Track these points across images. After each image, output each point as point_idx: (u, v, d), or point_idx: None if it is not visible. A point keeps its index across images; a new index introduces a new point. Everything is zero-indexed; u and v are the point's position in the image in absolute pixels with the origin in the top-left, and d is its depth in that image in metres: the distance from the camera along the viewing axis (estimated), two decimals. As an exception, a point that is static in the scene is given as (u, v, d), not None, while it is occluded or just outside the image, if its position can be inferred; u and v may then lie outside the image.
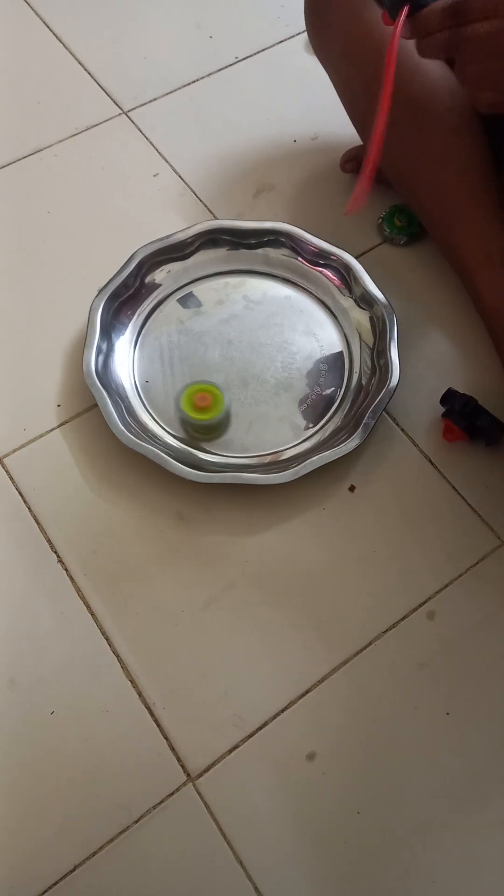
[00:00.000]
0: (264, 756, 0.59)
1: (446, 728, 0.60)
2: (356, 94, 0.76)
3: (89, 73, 0.93)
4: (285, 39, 0.97)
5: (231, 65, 0.94)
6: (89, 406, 0.71)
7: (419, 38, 0.55)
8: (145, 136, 0.88)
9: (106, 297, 0.72)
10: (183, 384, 0.71)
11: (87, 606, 0.63)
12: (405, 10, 0.53)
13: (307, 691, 0.61)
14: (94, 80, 0.92)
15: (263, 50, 0.96)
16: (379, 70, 0.70)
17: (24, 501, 0.67)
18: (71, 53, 0.94)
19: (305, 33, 0.96)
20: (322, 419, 0.71)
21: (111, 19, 0.98)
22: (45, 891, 0.54)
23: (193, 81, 0.93)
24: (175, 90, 0.92)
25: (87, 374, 0.69)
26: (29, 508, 0.67)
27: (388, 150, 0.75)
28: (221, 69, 0.94)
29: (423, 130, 0.71)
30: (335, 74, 0.77)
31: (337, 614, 0.64)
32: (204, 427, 0.68)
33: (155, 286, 0.76)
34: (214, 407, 0.68)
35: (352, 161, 0.83)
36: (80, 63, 0.94)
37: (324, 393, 0.72)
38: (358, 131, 0.79)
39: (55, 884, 0.55)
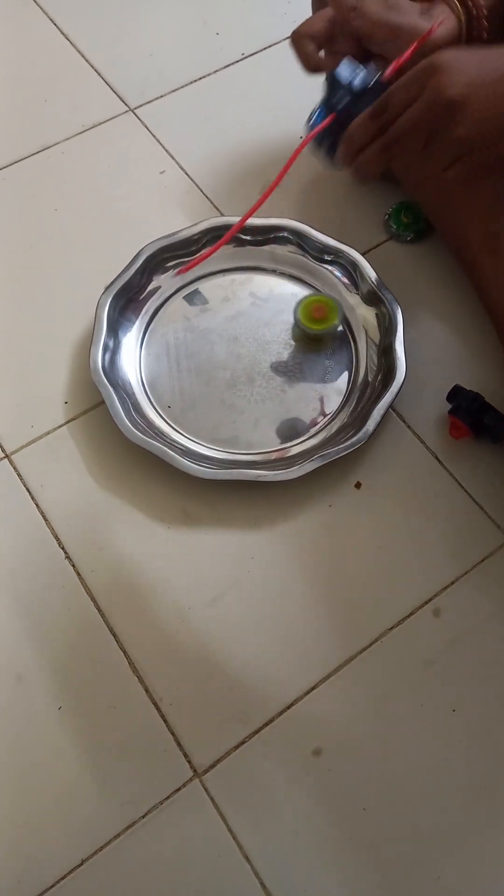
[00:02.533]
0: (270, 752, 0.59)
1: (452, 725, 0.60)
2: None
3: (96, 71, 0.93)
4: (292, 35, 0.96)
5: (238, 61, 0.94)
6: (96, 403, 0.71)
7: (353, 161, 0.57)
8: (152, 133, 0.88)
9: (113, 295, 0.72)
10: (190, 381, 0.72)
11: (94, 602, 0.63)
12: (326, 121, 0.57)
13: (313, 687, 0.61)
14: (101, 77, 0.92)
15: (270, 46, 0.95)
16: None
17: (32, 497, 0.67)
18: (77, 50, 0.94)
19: (312, 29, 0.96)
20: (328, 416, 0.71)
21: (117, 16, 0.98)
22: (53, 885, 0.55)
23: (200, 78, 0.93)
24: (181, 87, 0.92)
25: (94, 370, 0.69)
26: (37, 504, 0.67)
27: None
28: (228, 66, 0.94)
29: None
30: None
31: (343, 611, 0.64)
32: (316, 336, 0.72)
33: (161, 283, 0.76)
34: (329, 317, 0.71)
35: None
36: (86, 60, 0.94)
37: (330, 390, 0.72)
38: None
39: (62, 878, 0.55)
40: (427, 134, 0.54)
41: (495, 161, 0.55)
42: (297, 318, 0.71)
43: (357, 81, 0.57)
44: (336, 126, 0.57)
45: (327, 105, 0.59)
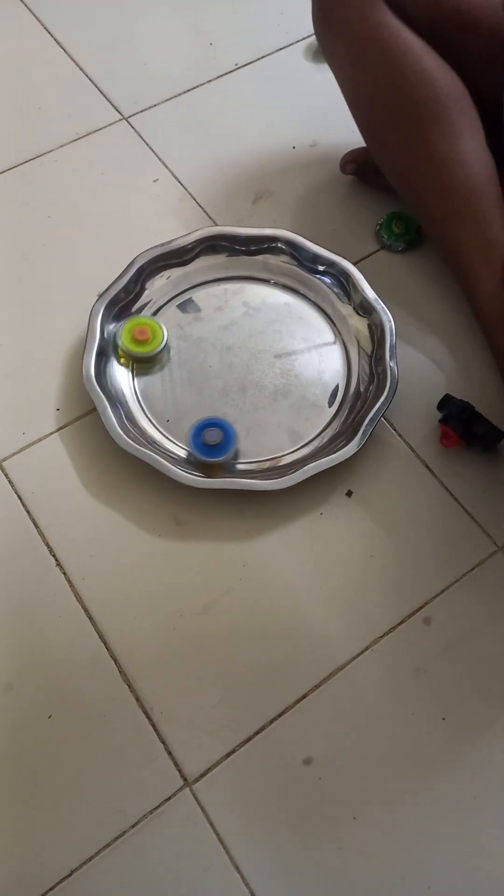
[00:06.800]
0: (261, 761, 0.59)
1: (443, 733, 0.60)
2: (362, 97, 0.75)
3: (90, 79, 0.93)
4: (285, 46, 0.97)
5: (231, 71, 0.95)
6: (88, 410, 0.71)
7: None
8: (145, 142, 0.89)
9: (106, 303, 0.72)
10: (183, 390, 0.72)
11: (85, 610, 0.63)
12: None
13: (304, 696, 0.61)
14: (95, 85, 0.93)
15: (263, 57, 0.96)
16: (385, 73, 0.70)
17: (23, 505, 0.67)
18: (71, 59, 0.95)
19: (305, 40, 0.97)
20: (320, 426, 0.71)
21: (112, 25, 0.98)
22: (42, 895, 0.54)
23: (193, 88, 0.93)
24: (175, 96, 0.92)
25: (87, 378, 0.69)
26: (28, 512, 0.67)
27: (392, 153, 0.75)
28: (221, 76, 0.94)
29: (428, 133, 0.71)
30: (341, 76, 0.77)
31: (333, 619, 0.64)
32: (142, 359, 0.72)
33: (155, 292, 0.76)
34: (153, 340, 0.71)
35: (351, 163, 0.83)
36: (80, 68, 0.94)
37: (321, 400, 0.72)
38: (363, 134, 0.78)
39: (51, 888, 0.55)
40: None
41: None
42: (121, 341, 0.71)
43: None
44: None
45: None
